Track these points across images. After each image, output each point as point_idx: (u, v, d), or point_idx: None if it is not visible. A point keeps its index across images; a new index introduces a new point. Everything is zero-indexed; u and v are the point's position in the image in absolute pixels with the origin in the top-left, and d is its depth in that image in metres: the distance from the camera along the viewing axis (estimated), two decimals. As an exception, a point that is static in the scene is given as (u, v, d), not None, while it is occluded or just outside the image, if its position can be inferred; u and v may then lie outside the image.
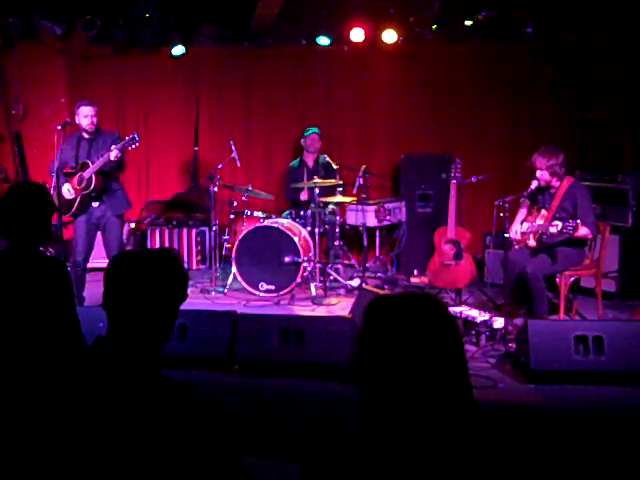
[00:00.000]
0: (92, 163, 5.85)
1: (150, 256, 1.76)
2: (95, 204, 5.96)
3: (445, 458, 1.42)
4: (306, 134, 7.53)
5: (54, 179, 5.95)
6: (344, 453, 1.46)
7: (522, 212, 5.72)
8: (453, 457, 1.43)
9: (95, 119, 5.94)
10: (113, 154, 5.77)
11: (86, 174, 5.82)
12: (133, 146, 5.90)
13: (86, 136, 5.97)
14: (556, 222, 5.17)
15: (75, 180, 5.85)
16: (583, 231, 5.28)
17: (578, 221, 5.05)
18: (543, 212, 5.52)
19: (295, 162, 7.70)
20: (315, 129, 7.50)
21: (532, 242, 5.51)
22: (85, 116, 5.89)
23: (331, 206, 7.19)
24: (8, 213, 2.89)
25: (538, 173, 5.44)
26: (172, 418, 1.55)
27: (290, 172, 7.64)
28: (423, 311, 1.49)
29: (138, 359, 1.65)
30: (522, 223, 5.60)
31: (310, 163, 7.55)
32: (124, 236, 7.75)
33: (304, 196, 7.35)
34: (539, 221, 5.49)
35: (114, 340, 1.67)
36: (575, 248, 5.47)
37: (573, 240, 5.37)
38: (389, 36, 7.51)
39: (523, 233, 5.52)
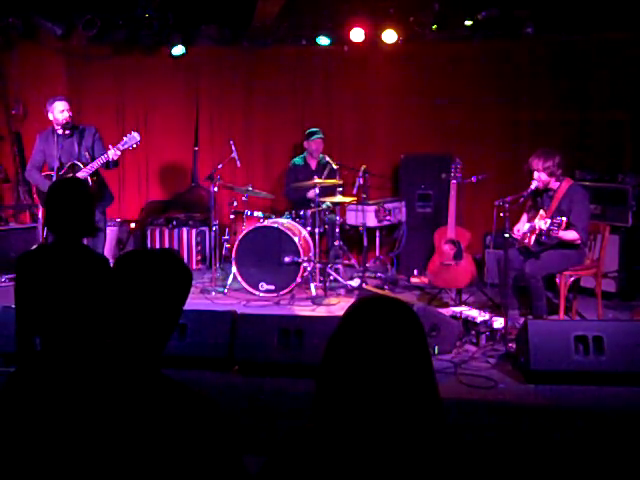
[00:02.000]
0: (82, 163, 5.70)
1: (155, 256, 1.76)
2: None
3: (398, 449, 1.45)
4: (311, 138, 7.43)
5: (39, 178, 5.88)
6: (295, 437, 1.51)
7: (525, 216, 5.72)
8: (408, 449, 1.45)
9: (70, 113, 5.82)
10: (112, 153, 5.69)
11: (80, 176, 5.63)
12: (134, 145, 5.86)
13: (60, 132, 5.81)
14: (546, 219, 5.18)
15: None
16: (571, 235, 5.28)
17: (564, 219, 5.05)
18: (541, 212, 5.53)
19: (299, 159, 7.61)
20: (319, 133, 7.42)
21: (527, 241, 5.52)
22: (61, 111, 5.76)
23: (326, 204, 7.14)
24: (54, 208, 3.10)
25: (535, 175, 5.44)
26: (173, 417, 1.55)
27: (294, 169, 7.56)
28: (388, 314, 1.54)
29: (141, 358, 1.65)
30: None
31: (313, 165, 7.54)
32: (124, 236, 7.78)
33: (311, 194, 7.07)
34: (537, 221, 5.50)
35: (117, 339, 1.67)
36: (573, 249, 5.47)
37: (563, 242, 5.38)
38: (389, 36, 7.51)
39: (524, 233, 5.53)
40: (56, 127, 5.82)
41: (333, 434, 1.47)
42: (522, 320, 5.06)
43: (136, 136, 5.83)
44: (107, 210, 6.11)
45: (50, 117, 5.83)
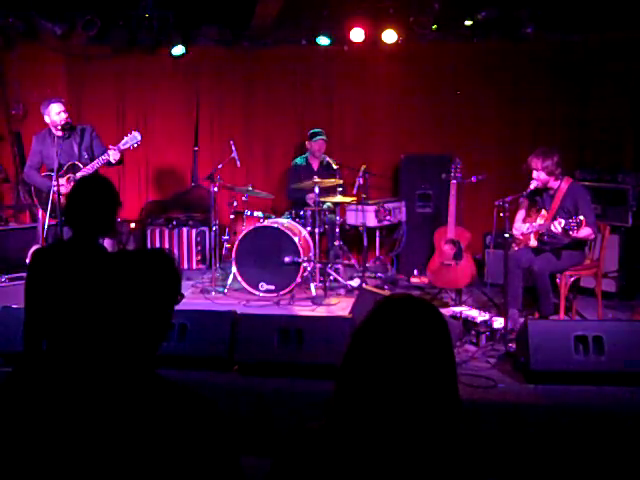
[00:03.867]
0: (82, 164, 5.70)
1: (143, 256, 1.75)
2: None
3: (414, 450, 1.44)
4: (313, 139, 7.43)
5: (38, 179, 5.88)
6: (304, 437, 1.51)
7: (521, 213, 5.73)
8: (425, 451, 1.45)
9: (67, 113, 5.79)
10: (112, 153, 5.67)
11: (80, 176, 5.61)
12: (135, 145, 5.85)
13: (59, 134, 5.77)
14: (559, 219, 5.18)
15: (63, 182, 5.62)
16: (586, 231, 5.29)
17: (581, 217, 5.06)
18: (543, 212, 5.53)
19: (301, 159, 7.62)
20: (321, 134, 7.42)
21: (533, 242, 5.53)
22: (58, 112, 5.73)
23: (327, 204, 7.15)
24: (75, 204, 3.04)
25: (535, 174, 5.45)
26: (169, 418, 1.55)
27: (296, 170, 7.56)
28: (417, 314, 1.53)
29: (132, 359, 1.64)
30: (523, 223, 5.63)
31: (315, 166, 7.54)
32: (124, 236, 7.78)
33: (310, 199, 7.12)
34: (539, 221, 5.51)
35: (109, 339, 1.67)
36: (576, 249, 5.48)
37: (574, 241, 5.38)
38: (389, 36, 7.51)
39: (523, 233, 5.54)
40: (54, 129, 5.79)
41: (349, 433, 1.47)
42: (522, 320, 5.06)
43: (137, 136, 5.82)
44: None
45: (47, 120, 5.79)
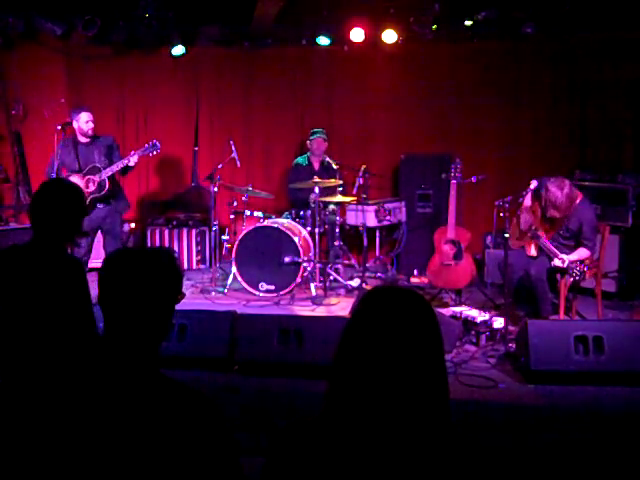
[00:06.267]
0: (102, 167, 5.92)
1: (145, 254, 1.75)
2: (100, 205, 6.04)
3: (403, 443, 1.45)
4: (312, 137, 7.45)
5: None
6: (302, 424, 1.53)
7: (524, 216, 5.71)
8: (412, 443, 1.45)
9: (94, 124, 6.07)
10: (133, 160, 5.90)
11: (97, 178, 5.91)
12: (154, 152, 6.03)
13: (83, 140, 6.05)
14: (562, 256, 5.23)
15: (82, 183, 5.82)
16: (584, 253, 5.38)
17: (586, 269, 5.16)
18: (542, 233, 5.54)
19: (302, 159, 7.61)
20: (320, 133, 7.42)
21: (533, 252, 5.53)
22: (86, 122, 6.00)
23: (331, 206, 7.17)
24: (41, 207, 2.93)
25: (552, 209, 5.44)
26: (170, 416, 1.55)
27: (297, 170, 7.55)
28: (405, 306, 1.53)
29: (134, 357, 1.65)
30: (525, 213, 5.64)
31: (316, 166, 7.54)
32: (124, 236, 7.79)
33: (312, 198, 6.97)
34: (543, 238, 5.50)
35: (110, 338, 1.67)
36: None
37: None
38: (389, 36, 7.51)
39: (528, 229, 5.54)
40: (83, 136, 6.02)
41: (343, 426, 1.47)
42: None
43: (157, 144, 6.08)
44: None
45: (75, 125, 6.02)
